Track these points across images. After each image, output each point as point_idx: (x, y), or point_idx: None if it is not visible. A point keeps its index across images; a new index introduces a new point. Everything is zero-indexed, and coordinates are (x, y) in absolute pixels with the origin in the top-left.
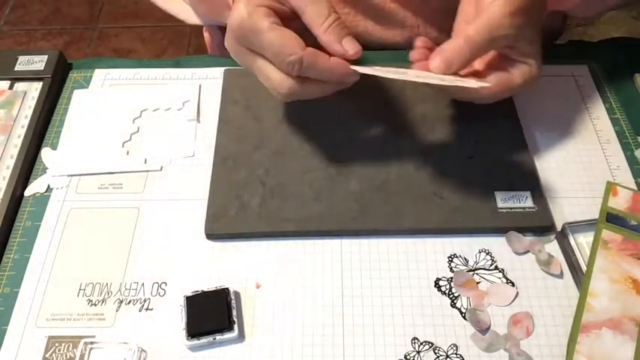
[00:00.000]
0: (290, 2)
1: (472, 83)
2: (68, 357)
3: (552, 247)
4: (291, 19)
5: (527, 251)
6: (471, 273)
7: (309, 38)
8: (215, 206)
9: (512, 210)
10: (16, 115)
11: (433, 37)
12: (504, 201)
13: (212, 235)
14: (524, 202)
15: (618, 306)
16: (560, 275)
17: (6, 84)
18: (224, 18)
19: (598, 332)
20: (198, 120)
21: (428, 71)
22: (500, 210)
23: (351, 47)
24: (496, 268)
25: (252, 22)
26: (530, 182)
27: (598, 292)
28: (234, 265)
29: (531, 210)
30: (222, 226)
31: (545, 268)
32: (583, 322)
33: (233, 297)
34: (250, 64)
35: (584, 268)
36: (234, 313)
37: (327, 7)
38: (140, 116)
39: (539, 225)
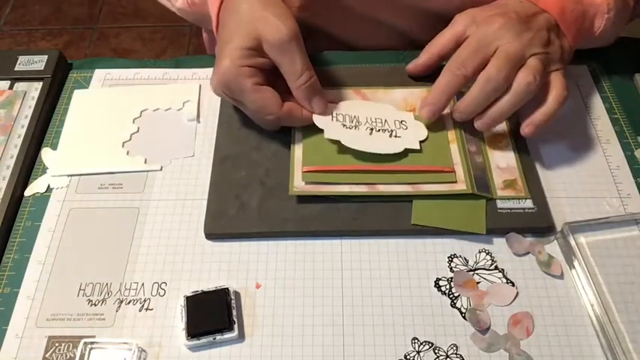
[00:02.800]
0: (270, 56)
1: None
2: (68, 357)
3: (552, 247)
4: (273, 70)
5: (528, 252)
6: (471, 273)
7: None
8: (215, 206)
9: (512, 211)
10: (16, 115)
11: (426, 41)
12: (504, 201)
13: (212, 235)
14: (524, 202)
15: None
16: (561, 276)
17: (6, 84)
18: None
19: None
20: (198, 120)
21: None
22: (500, 210)
23: (317, 107)
24: (496, 268)
25: (237, 83)
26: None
27: None
28: (234, 265)
29: (531, 210)
30: (222, 226)
31: (546, 268)
32: None
33: (233, 297)
34: (234, 104)
35: (584, 268)
36: (234, 313)
37: (302, 66)
38: (140, 116)
39: (539, 225)
